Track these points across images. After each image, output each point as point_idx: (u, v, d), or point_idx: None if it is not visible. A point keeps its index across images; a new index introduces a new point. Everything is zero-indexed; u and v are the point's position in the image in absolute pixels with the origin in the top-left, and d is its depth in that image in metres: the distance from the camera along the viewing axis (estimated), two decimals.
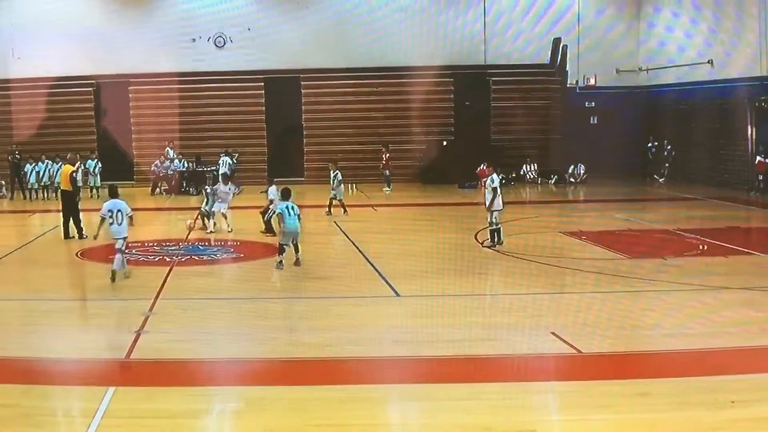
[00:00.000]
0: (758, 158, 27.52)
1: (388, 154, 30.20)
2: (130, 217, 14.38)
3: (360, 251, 17.18)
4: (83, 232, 18.70)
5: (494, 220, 17.24)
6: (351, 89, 33.08)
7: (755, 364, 9.38)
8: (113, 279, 14.09)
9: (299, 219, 15.28)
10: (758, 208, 24.95)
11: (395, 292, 13.32)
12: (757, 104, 27.29)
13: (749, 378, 8.77)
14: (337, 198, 23.33)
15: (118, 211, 14.26)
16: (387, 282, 13.97)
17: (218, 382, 9.11)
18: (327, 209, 23.18)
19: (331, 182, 23.64)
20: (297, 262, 15.34)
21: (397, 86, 32.61)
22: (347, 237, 19.35)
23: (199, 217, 20.33)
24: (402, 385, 8.96)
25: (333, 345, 10.23)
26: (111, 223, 14.30)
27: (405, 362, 9.71)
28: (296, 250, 15.44)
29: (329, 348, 10.11)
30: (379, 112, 33.00)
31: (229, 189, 20.52)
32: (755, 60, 26.74)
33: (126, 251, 14.63)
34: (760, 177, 27.35)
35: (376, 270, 15.04)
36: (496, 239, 17.28)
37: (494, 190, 17.15)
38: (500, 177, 18.23)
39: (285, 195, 15.92)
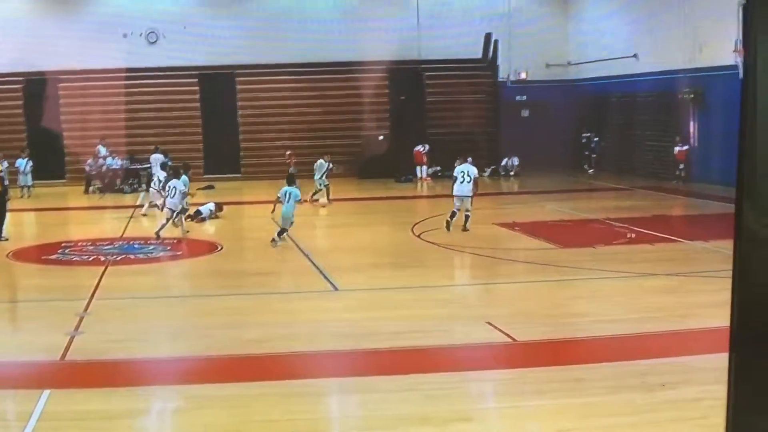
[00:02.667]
0: (676, 148, 28.38)
1: (289, 151, 30.31)
2: (183, 193, 17.97)
3: (298, 246, 17.21)
4: (3, 234, 18.23)
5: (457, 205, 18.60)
6: (287, 85, 32.91)
7: (681, 348, 9.72)
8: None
9: (297, 203, 17.12)
10: (683, 197, 25.72)
11: (333, 286, 13.40)
12: (679, 96, 28.11)
13: (676, 361, 9.09)
14: (322, 186, 24.68)
15: (173, 187, 17.90)
16: (325, 276, 14.04)
17: (156, 381, 9.06)
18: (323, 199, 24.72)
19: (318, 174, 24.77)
20: (278, 238, 17.03)
21: (333, 82, 32.59)
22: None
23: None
24: (341, 379, 9.05)
25: (271, 340, 10.23)
26: (167, 196, 17.96)
27: (344, 356, 9.79)
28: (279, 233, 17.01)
29: (268, 344, 10.13)
30: (316, 107, 32.84)
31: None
32: (678, 53, 27.49)
33: (177, 220, 18.12)
34: (681, 166, 28.23)
35: (314, 264, 15.10)
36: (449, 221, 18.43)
37: (454, 177, 18.86)
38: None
39: (289, 181, 17.60)
